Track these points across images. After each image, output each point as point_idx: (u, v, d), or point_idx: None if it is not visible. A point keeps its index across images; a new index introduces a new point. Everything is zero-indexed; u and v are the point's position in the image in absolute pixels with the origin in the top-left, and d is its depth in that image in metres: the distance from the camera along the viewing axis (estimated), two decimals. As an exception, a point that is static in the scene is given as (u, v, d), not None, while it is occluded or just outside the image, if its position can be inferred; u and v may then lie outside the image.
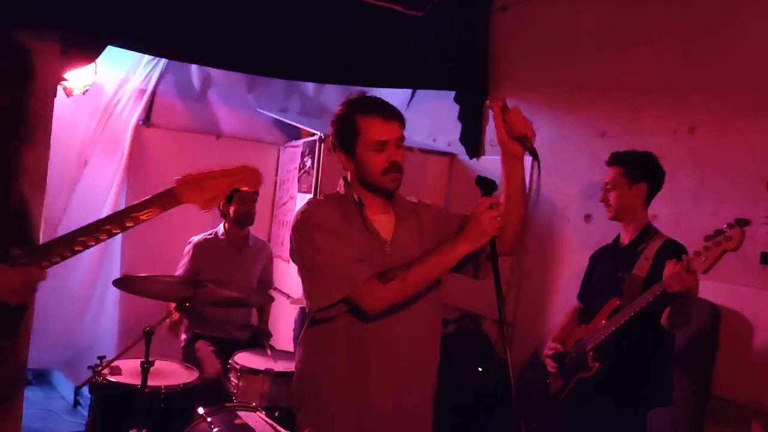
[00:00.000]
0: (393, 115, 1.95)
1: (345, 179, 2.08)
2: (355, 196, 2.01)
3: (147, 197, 1.65)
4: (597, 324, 2.51)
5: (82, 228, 1.54)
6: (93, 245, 1.53)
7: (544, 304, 3.57)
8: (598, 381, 2.46)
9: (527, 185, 2.10)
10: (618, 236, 2.69)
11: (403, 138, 1.98)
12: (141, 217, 1.58)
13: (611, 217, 2.64)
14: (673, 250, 2.44)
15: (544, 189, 3.66)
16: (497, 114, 1.95)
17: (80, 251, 1.53)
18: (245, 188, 1.78)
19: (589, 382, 2.48)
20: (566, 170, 3.52)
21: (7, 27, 2.87)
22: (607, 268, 2.65)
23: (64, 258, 1.50)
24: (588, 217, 3.39)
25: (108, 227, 1.54)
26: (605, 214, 2.67)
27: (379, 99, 2.01)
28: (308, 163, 4.15)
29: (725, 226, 2.07)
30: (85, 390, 3.02)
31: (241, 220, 3.76)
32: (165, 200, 1.62)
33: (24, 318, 1.62)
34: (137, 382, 2.72)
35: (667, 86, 3.08)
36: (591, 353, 2.48)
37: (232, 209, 3.74)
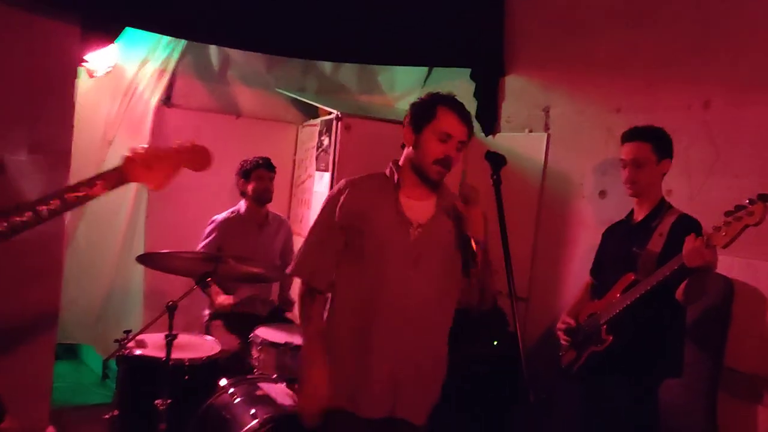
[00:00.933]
0: (468, 121, 2.14)
1: (395, 162, 2.23)
2: (396, 178, 2.17)
3: (93, 175, 1.65)
4: (611, 298, 2.54)
5: (37, 198, 1.57)
6: (43, 213, 1.55)
7: (559, 279, 3.60)
8: (610, 353, 2.49)
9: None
10: (631, 212, 2.71)
11: (465, 144, 2.14)
12: (86, 194, 1.58)
13: (633, 194, 2.61)
14: (687, 225, 2.45)
15: (559, 165, 3.68)
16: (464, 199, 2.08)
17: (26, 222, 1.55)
18: (193, 169, 1.78)
19: (602, 354, 2.52)
20: (581, 146, 3.53)
21: (30, 9, 2.93)
22: (621, 244, 2.66)
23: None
24: (603, 193, 3.40)
25: (58, 200, 1.56)
26: (624, 190, 2.64)
27: (461, 102, 2.17)
28: (326, 142, 4.20)
29: (747, 201, 2.07)
30: (113, 363, 3.12)
31: (259, 197, 3.84)
32: (111, 178, 1.62)
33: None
34: (162, 354, 2.81)
35: (683, 60, 3.06)
36: (604, 326, 2.51)
37: (250, 187, 3.82)
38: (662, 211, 2.57)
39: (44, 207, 1.57)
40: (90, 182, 1.61)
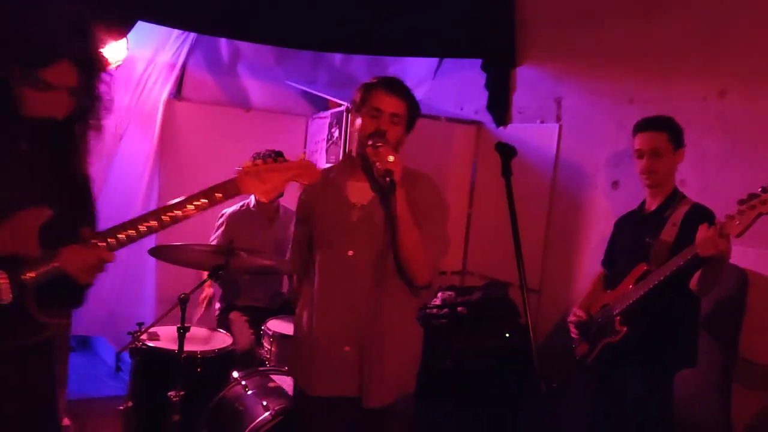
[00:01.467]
0: (397, 91, 2.16)
1: (350, 150, 2.32)
2: (342, 162, 2.29)
3: (209, 187, 1.71)
4: (624, 289, 2.52)
5: (149, 212, 1.62)
6: (158, 228, 1.60)
7: (571, 270, 3.58)
8: (624, 345, 2.48)
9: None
10: (643, 202, 2.69)
11: (400, 116, 2.16)
12: (201, 200, 1.65)
13: (652, 184, 2.58)
14: (700, 215, 2.43)
15: (571, 156, 3.66)
16: (371, 154, 2.07)
17: (146, 234, 1.60)
18: (302, 182, 1.86)
19: (616, 346, 2.51)
20: (594, 137, 3.50)
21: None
22: (633, 234, 2.65)
23: (130, 240, 1.57)
24: (615, 184, 3.38)
25: (173, 213, 1.62)
26: (641, 181, 2.61)
27: (396, 78, 2.22)
28: (336, 134, 4.20)
29: (760, 189, 2.05)
30: (126, 355, 3.14)
31: (275, 215, 3.86)
32: (227, 189, 1.68)
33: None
34: (174, 347, 2.82)
35: (697, 50, 3.03)
36: (618, 318, 2.50)
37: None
38: (675, 200, 2.55)
39: (169, 219, 1.63)
40: (209, 194, 1.67)
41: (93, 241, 1.52)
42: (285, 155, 3.99)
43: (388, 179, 1.97)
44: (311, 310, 2.21)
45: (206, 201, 1.65)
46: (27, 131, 1.54)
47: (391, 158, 1.99)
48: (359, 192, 2.19)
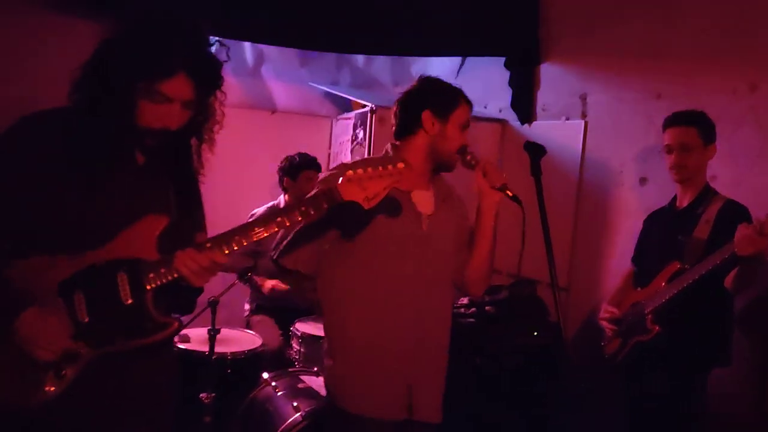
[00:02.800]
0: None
1: (393, 145, 2.16)
2: (399, 167, 2.03)
3: (310, 195, 1.73)
4: (655, 287, 2.49)
5: (257, 219, 1.66)
6: (265, 235, 1.62)
7: (599, 268, 3.55)
8: (656, 343, 2.45)
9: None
10: (674, 198, 2.65)
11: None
12: (310, 211, 1.66)
13: (681, 179, 2.56)
14: (735, 211, 2.40)
15: (597, 153, 3.62)
16: (480, 170, 2.06)
17: (255, 240, 1.63)
18: (402, 188, 1.88)
19: (647, 345, 2.48)
20: (621, 133, 3.46)
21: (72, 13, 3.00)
22: (665, 231, 2.62)
23: (241, 246, 1.61)
24: (643, 180, 3.34)
25: (280, 219, 1.63)
26: (670, 176, 2.59)
27: None
28: (360, 135, 4.20)
29: None
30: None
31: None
32: (332, 197, 1.67)
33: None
34: (205, 349, 2.86)
35: (726, 43, 2.97)
36: (650, 316, 2.47)
37: (297, 187, 3.82)
38: (707, 197, 2.52)
39: (275, 227, 1.66)
40: (315, 203, 1.68)
41: (207, 245, 1.57)
42: (310, 156, 4.04)
43: (509, 192, 2.02)
44: (362, 318, 2.03)
45: (313, 211, 1.66)
46: (143, 142, 1.59)
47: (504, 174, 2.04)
48: (425, 201, 2.12)
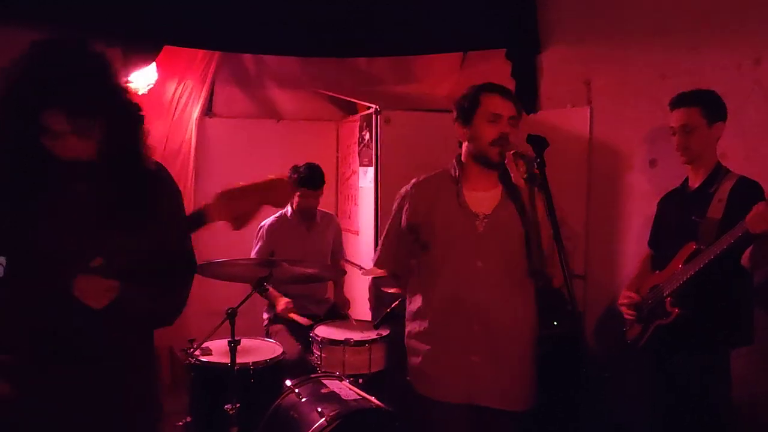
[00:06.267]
0: (510, 97, 2.20)
1: (458, 157, 2.29)
2: (455, 172, 2.24)
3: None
4: (673, 269, 2.47)
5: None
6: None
7: (615, 254, 3.53)
8: (677, 326, 2.43)
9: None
10: (686, 179, 2.63)
11: (517, 119, 2.19)
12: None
13: (687, 161, 2.55)
14: (747, 188, 2.38)
15: (605, 137, 3.60)
16: (510, 162, 2.10)
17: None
18: (276, 207, 1.80)
19: (668, 328, 2.46)
20: (627, 116, 3.44)
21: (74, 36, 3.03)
22: (678, 213, 2.59)
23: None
24: (653, 162, 3.31)
25: None
26: (677, 158, 2.58)
27: (503, 86, 2.25)
28: (366, 137, 4.21)
29: None
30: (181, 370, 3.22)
31: (303, 212, 3.89)
32: (197, 219, 1.70)
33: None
34: (227, 360, 2.87)
35: (729, 17, 2.94)
36: (669, 299, 2.45)
37: (295, 201, 3.85)
38: (719, 175, 2.49)
39: None
40: (191, 221, 1.73)
41: (95, 267, 1.56)
42: (317, 161, 4.06)
43: (536, 182, 1.97)
44: (433, 319, 2.23)
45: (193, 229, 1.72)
46: (72, 173, 1.58)
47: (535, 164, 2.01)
48: (481, 201, 2.20)
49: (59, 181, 1.57)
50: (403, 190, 2.35)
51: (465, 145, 2.25)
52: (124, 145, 1.61)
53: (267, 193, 1.70)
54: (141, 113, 1.65)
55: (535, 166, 1.97)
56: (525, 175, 2.00)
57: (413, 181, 2.36)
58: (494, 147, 2.12)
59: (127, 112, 1.62)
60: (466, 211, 2.19)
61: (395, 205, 2.36)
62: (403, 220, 2.30)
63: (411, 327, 2.31)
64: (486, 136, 2.14)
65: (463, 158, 2.26)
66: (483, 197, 2.21)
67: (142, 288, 1.64)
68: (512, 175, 2.09)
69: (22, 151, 1.52)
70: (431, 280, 2.24)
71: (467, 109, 2.19)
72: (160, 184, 1.72)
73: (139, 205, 1.62)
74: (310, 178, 3.80)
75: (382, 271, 2.57)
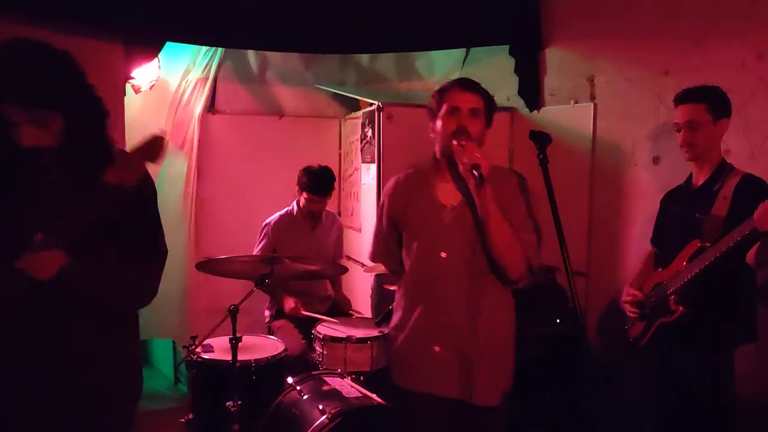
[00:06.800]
0: (471, 87, 2.20)
1: (434, 153, 2.30)
2: (429, 166, 2.28)
3: None
4: (677, 267, 2.46)
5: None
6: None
7: (618, 251, 3.51)
8: (681, 324, 2.42)
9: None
10: (690, 176, 2.62)
11: (479, 110, 2.18)
12: None
13: (692, 158, 2.53)
14: (752, 185, 2.36)
15: (608, 134, 3.59)
16: (456, 152, 2.08)
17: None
18: (152, 163, 1.87)
19: (672, 326, 2.45)
20: (631, 113, 3.43)
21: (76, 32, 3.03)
22: (682, 210, 2.58)
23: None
24: (656, 159, 3.30)
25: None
26: (681, 154, 2.55)
27: (469, 78, 2.26)
28: (369, 134, 4.20)
29: None
30: (183, 367, 3.21)
31: (309, 214, 3.89)
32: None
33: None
34: (228, 357, 2.87)
35: (732, 12, 2.92)
36: (673, 297, 2.44)
37: (302, 201, 3.85)
38: (724, 172, 2.47)
39: None
40: None
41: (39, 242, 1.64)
42: (320, 158, 4.05)
43: (476, 173, 1.98)
44: (403, 309, 2.27)
45: None
46: (38, 160, 1.70)
47: (477, 154, 2.02)
48: (449, 193, 2.21)
49: (22, 167, 1.70)
50: (384, 190, 2.41)
51: (436, 140, 2.28)
52: (83, 135, 1.73)
53: (143, 153, 1.82)
54: (104, 107, 1.78)
55: (477, 157, 1.99)
56: (467, 166, 2.00)
57: (392, 179, 2.40)
58: (453, 139, 2.12)
59: (87, 106, 1.74)
60: (435, 203, 2.21)
61: (378, 209, 2.42)
62: (384, 216, 2.34)
63: (392, 319, 2.35)
64: (446, 129, 2.16)
65: (437, 154, 2.28)
66: (453, 189, 2.21)
67: (100, 268, 1.74)
68: (459, 167, 2.07)
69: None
70: (407, 271, 2.28)
71: (434, 108, 2.24)
72: (122, 170, 1.78)
73: (95, 187, 1.71)
74: (318, 186, 3.81)
75: (383, 268, 2.59)
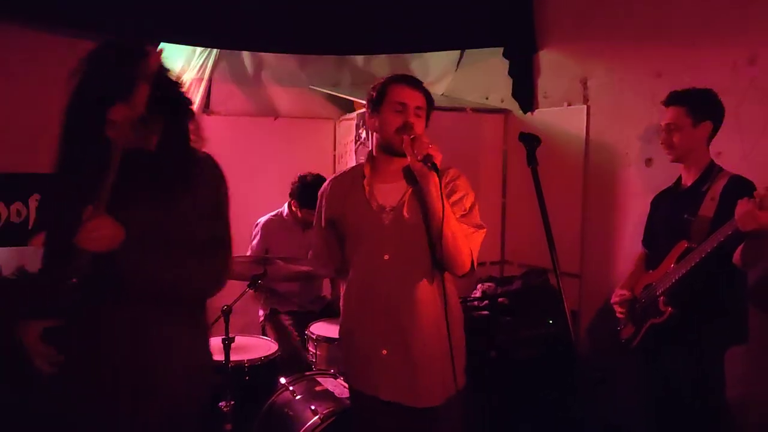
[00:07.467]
0: (419, 86, 2.21)
1: (369, 151, 2.31)
2: (365, 166, 2.26)
3: None
4: (665, 268, 2.48)
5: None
6: None
7: (611, 252, 3.53)
8: (670, 325, 2.43)
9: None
10: (679, 178, 2.63)
11: (423, 109, 2.19)
12: None
13: (674, 159, 2.57)
14: (740, 187, 2.37)
15: (601, 136, 3.60)
16: (407, 145, 2.06)
17: None
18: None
19: (662, 327, 2.46)
20: (623, 114, 3.44)
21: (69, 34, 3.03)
22: (671, 211, 2.60)
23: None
24: (649, 161, 3.31)
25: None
26: (667, 157, 2.60)
27: (412, 75, 2.29)
28: (363, 135, 4.21)
29: None
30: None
31: (301, 221, 3.87)
32: None
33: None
34: (221, 358, 2.87)
35: (723, 14, 2.95)
36: (662, 298, 2.45)
37: (299, 213, 3.81)
38: (712, 174, 2.49)
39: None
40: None
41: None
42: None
43: (429, 164, 1.97)
44: (349, 312, 2.26)
45: None
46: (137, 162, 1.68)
47: (429, 145, 2.01)
48: (387, 194, 2.19)
49: (120, 167, 1.63)
50: (320, 193, 2.37)
51: (374, 135, 2.27)
52: (178, 136, 1.76)
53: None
54: (191, 107, 1.82)
55: (430, 148, 2.00)
56: (420, 157, 1.99)
57: (327, 181, 2.39)
58: (398, 135, 2.12)
59: (185, 108, 1.79)
60: (373, 205, 2.19)
61: (316, 211, 2.39)
62: (323, 218, 2.32)
63: (340, 320, 2.34)
64: (391, 125, 2.15)
65: (374, 151, 2.27)
66: (390, 189, 2.19)
67: (165, 258, 1.70)
68: (409, 159, 2.05)
69: (90, 142, 1.63)
70: (350, 273, 2.25)
71: (375, 99, 2.20)
72: (205, 170, 1.85)
73: (179, 186, 1.73)
74: (312, 200, 3.78)
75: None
